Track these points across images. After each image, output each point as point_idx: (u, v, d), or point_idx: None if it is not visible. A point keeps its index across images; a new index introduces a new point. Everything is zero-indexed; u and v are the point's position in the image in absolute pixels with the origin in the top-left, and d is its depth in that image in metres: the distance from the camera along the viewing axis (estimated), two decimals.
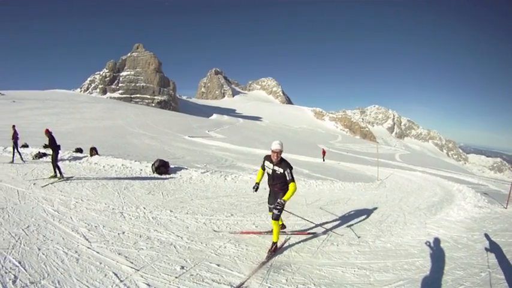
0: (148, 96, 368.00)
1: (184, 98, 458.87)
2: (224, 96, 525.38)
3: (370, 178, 23.67)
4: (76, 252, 5.81)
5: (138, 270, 5.30)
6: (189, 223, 8.05)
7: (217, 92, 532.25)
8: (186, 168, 16.27)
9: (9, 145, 19.21)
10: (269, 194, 7.13)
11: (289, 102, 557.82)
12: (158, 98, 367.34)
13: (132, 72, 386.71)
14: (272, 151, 6.36)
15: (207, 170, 16.19)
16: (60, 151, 13.70)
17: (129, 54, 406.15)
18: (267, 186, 6.96)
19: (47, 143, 13.09)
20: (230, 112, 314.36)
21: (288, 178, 6.33)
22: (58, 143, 13.34)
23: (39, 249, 5.83)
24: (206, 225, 7.94)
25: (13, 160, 15.99)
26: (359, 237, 7.29)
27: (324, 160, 42.64)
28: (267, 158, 6.72)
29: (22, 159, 16.50)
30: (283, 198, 6.15)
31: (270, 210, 6.95)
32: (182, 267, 5.44)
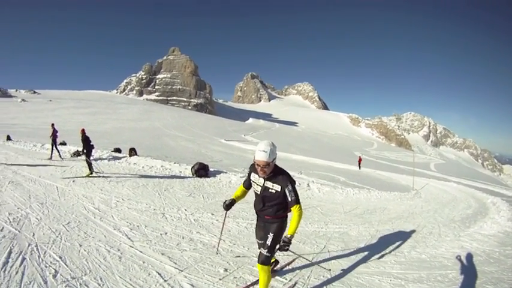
0: (185, 99, 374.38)
1: (220, 101, 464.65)
2: (260, 100, 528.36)
3: (406, 188, 23.58)
4: (118, 250, 5.84)
5: (181, 270, 5.26)
6: (230, 226, 8.00)
7: (253, 96, 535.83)
8: (226, 172, 16.30)
9: (47, 142, 19.91)
10: (256, 225, 4.92)
11: (325, 107, 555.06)
12: (194, 101, 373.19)
13: (169, 75, 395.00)
14: (256, 164, 4.25)
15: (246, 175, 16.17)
16: (93, 150, 14.47)
17: (165, 57, 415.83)
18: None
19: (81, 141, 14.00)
20: (266, 116, 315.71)
21: (289, 199, 4.24)
22: (92, 143, 14.15)
23: (80, 246, 5.88)
24: (247, 229, 7.88)
25: (51, 157, 16.50)
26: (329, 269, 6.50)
27: (360, 168, 42.34)
28: (254, 168, 4.50)
29: (60, 156, 17.03)
30: (288, 234, 4.12)
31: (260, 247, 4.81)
32: (225, 270, 5.41)
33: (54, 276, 4.72)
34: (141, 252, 5.87)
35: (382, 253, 6.88)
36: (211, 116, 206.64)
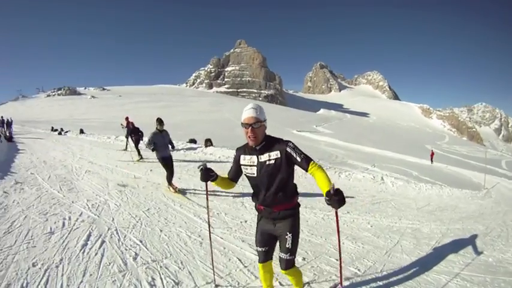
0: (255, 91, 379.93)
1: (291, 92, 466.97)
2: (331, 90, 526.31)
3: (477, 186, 23.02)
4: (199, 236, 5.92)
5: None
6: (308, 217, 7.99)
7: (323, 87, 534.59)
8: None
9: (120, 134, 20.81)
10: (258, 229, 3.72)
11: (395, 97, 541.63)
12: (265, 92, 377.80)
13: (237, 67, 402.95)
14: (244, 125, 3.26)
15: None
16: (142, 137, 16.14)
17: (232, 50, 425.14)
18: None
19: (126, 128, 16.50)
20: (337, 107, 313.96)
21: (298, 159, 3.22)
22: (140, 132, 16.01)
23: (161, 231, 6.03)
24: (324, 220, 7.85)
25: (126, 148, 17.15)
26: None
27: (432, 162, 41.30)
28: (241, 149, 3.58)
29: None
30: (328, 189, 2.98)
31: (264, 258, 3.77)
32: (304, 259, 5.39)
33: (135, 258, 4.85)
34: (221, 238, 5.94)
35: (452, 253, 6.64)
36: (282, 106, 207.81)
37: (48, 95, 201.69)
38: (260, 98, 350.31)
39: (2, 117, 31.66)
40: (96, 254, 4.89)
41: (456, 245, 7.17)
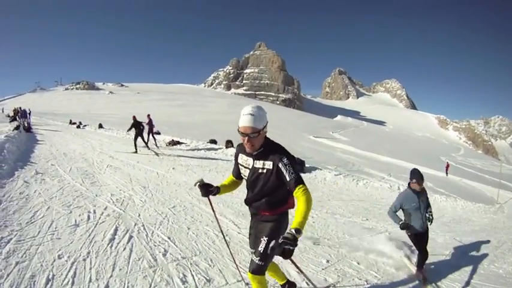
0: (273, 94, 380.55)
1: (309, 97, 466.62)
2: (348, 97, 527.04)
3: (490, 200, 23.14)
4: (226, 235, 5.90)
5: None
6: (329, 222, 8.16)
7: (341, 93, 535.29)
8: (320, 169, 16.42)
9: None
10: (250, 228, 3.81)
11: (413, 106, 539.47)
12: (283, 96, 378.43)
13: (256, 70, 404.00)
14: (241, 133, 3.05)
15: (340, 173, 16.34)
16: (143, 133, 17.31)
17: (251, 53, 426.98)
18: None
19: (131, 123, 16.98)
20: (354, 114, 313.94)
21: (287, 178, 3.01)
22: (142, 128, 17.00)
23: (188, 229, 6.14)
24: (346, 225, 8.10)
25: (147, 145, 17.39)
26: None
27: (447, 175, 41.47)
28: (241, 147, 3.39)
29: (156, 145, 17.96)
30: (293, 227, 2.74)
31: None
32: (327, 261, 5.61)
33: (164, 255, 4.95)
34: (248, 238, 5.99)
35: (464, 263, 6.90)
36: (299, 111, 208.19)
37: (67, 88, 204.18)
38: (278, 102, 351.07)
39: (20, 108, 32.04)
40: (124, 249, 5.00)
41: (469, 256, 7.49)
